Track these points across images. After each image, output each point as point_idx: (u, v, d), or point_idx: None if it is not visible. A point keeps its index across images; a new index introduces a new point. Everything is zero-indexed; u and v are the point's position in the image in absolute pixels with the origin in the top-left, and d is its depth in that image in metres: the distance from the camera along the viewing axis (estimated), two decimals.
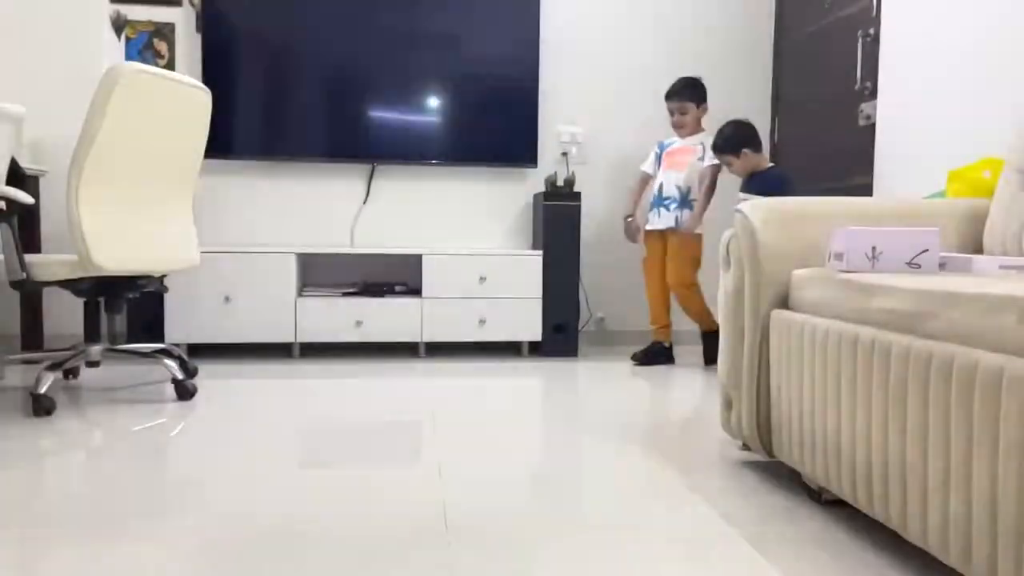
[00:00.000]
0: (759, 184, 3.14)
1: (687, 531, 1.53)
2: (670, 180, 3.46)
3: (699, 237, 3.42)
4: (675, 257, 3.42)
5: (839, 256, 1.59)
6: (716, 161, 3.32)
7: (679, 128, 3.50)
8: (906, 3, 2.82)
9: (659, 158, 3.56)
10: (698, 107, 3.47)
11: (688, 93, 3.46)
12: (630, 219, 3.60)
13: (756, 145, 3.22)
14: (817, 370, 1.54)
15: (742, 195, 3.15)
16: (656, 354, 3.50)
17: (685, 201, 3.43)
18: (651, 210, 3.51)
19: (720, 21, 4.10)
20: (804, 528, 1.54)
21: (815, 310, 1.61)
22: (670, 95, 3.49)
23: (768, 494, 1.74)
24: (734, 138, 3.23)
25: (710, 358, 3.40)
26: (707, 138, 3.41)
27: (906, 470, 1.26)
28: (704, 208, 3.40)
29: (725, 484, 1.82)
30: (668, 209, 3.43)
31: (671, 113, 3.51)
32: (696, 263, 3.44)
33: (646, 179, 3.62)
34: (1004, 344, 1.08)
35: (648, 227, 3.52)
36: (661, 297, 3.53)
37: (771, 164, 3.29)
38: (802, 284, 1.68)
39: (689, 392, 2.85)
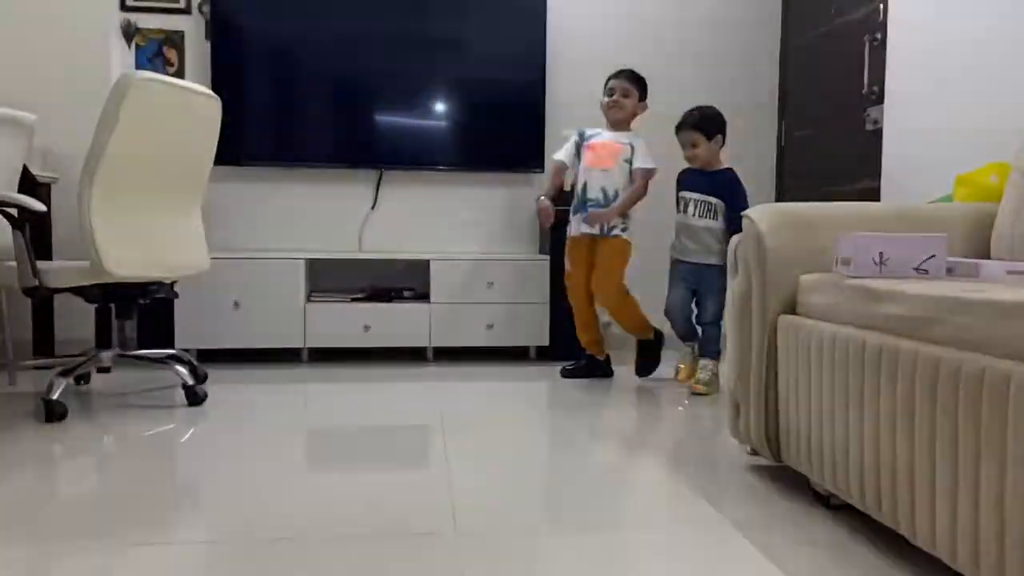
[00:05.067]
0: (715, 183, 2.92)
1: (695, 535, 1.54)
2: (595, 180, 3.04)
3: (628, 244, 3.05)
4: (605, 264, 3.03)
5: (846, 262, 1.59)
6: (650, 166, 3.01)
7: (616, 111, 3.08)
8: (912, 8, 2.82)
9: (579, 148, 3.16)
10: (640, 99, 3.12)
11: (633, 77, 3.11)
12: (542, 198, 3.16)
13: (725, 139, 2.99)
14: (825, 375, 1.54)
15: (695, 195, 2.93)
16: (592, 367, 3.20)
17: (610, 206, 3.03)
18: (574, 214, 3.11)
19: (726, 25, 4.10)
20: (812, 533, 1.54)
21: (823, 315, 1.61)
22: (616, 75, 3.13)
23: (776, 499, 1.74)
24: (717, 120, 2.96)
25: (646, 368, 3.14)
26: (636, 139, 3.08)
27: (914, 475, 1.26)
28: (626, 208, 3.02)
29: (733, 489, 1.82)
30: (586, 212, 3.04)
31: (610, 93, 3.10)
32: (624, 269, 3.07)
33: (560, 168, 3.19)
34: (1012, 350, 1.09)
35: (572, 233, 3.12)
36: (591, 311, 3.14)
37: (726, 166, 3.00)
38: (809, 289, 1.69)
39: (696, 397, 2.86)
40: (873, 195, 3.05)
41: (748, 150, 4.13)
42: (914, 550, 1.33)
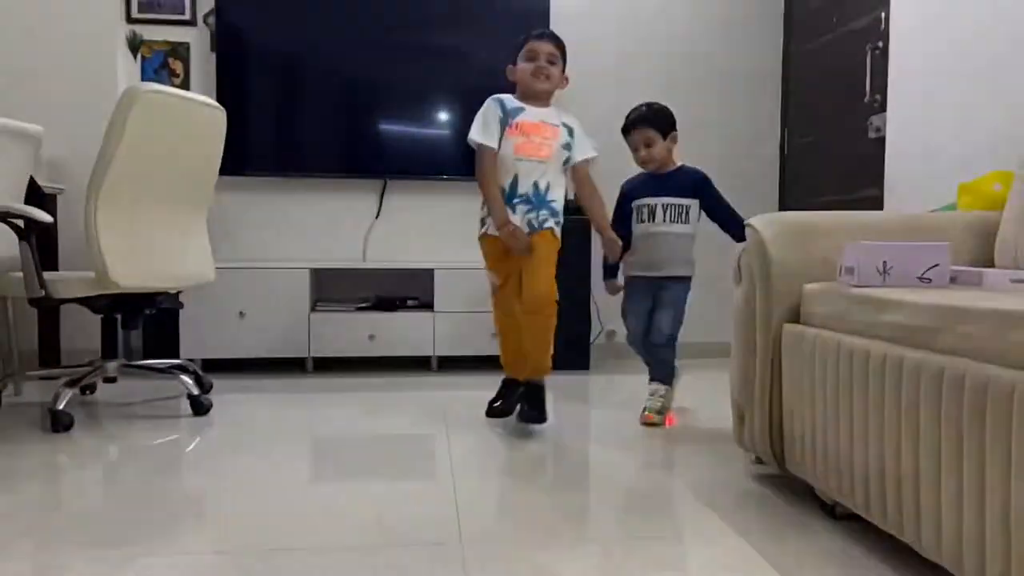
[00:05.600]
0: (685, 184, 2.60)
1: (700, 544, 1.54)
2: (528, 173, 2.43)
3: (559, 244, 2.51)
4: (537, 259, 2.39)
5: (850, 271, 1.59)
6: (593, 153, 2.55)
7: (543, 80, 2.46)
8: (915, 16, 2.83)
9: (504, 125, 2.44)
10: (563, 72, 2.54)
11: (559, 42, 2.52)
12: (514, 228, 2.39)
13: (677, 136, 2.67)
14: (829, 384, 1.54)
15: (662, 200, 2.59)
16: (519, 397, 2.53)
17: (543, 203, 2.44)
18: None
19: (728, 35, 4.11)
20: (818, 542, 1.54)
21: (826, 324, 1.61)
22: (540, 35, 2.52)
23: (782, 508, 1.74)
24: (669, 115, 2.64)
25: (542, 415, 2.45)
26: (570, 118, 2.55)
27: (919, 485, 1.26)
28: (604, 208, 2.56)
29: (738, 498, 1.82)
30: (514, 211, 2.41)
31: (533, 57, 2.46)
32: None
33: (495, 156, 2.44)
34: (1016, 359, 1.09)
35: (492, 232, 2.44)
36: (520, 331, 2.48)
37: (681, 163, 2.68)
38: (813, 299, 1.69)
39: (702, 406, 2.85)
40: (876, 203, 3.06)
41: (751, 158, 4.15)
42: (920, 559, 1.32)
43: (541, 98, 2.50)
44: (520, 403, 2.48)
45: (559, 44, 2.51)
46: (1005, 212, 1.85)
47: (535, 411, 2.44)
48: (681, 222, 2.60)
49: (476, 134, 2.45)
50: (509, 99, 2.49)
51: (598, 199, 2.57)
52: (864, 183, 3.25)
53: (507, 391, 2.60)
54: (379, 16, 3.77)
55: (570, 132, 2.52)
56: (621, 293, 2.77)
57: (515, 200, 2.43)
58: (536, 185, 2.44)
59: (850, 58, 3.37)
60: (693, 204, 2.61)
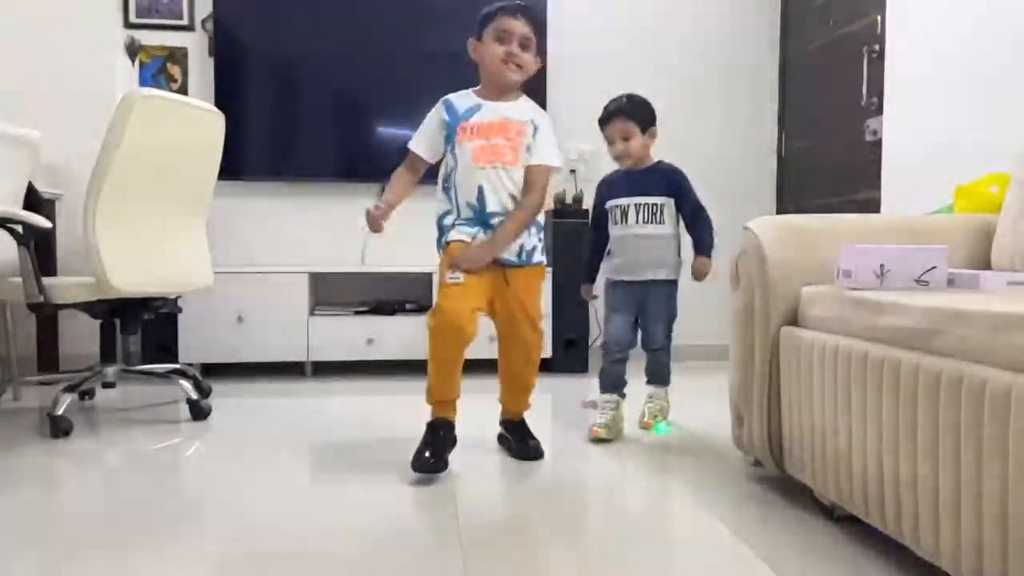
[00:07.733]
0: (660, 181, 2.46)
1: (699, 547, 1.54)
2: (495, 186, 2.04)
3: (543, 271, 2.23)
4: (525, 296, 2.16)
5: (847, 273, 1.60)
6: (557, 163, 2.13)
7: (514, 69, 2.05)
8: (911, 19, 2.84)
9: (452, 132, 2.09)
10: (535, 55, 2.11)
11: (535, 20, 2.10)
12: (377, 209, 2.19)
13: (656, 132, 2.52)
14: (827, 387, 1.55)
15: (635, 200, 2.46)
16: (452, 439, 2.07)
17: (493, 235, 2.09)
18: (467, 230, 2.10)
19: (725, 37, 4.12)
20: (817, 544, 1.54)
21: (824, 327, 1.62)
22: (514, 11, 2.06)
23: (780, 510, 1.74)
24: (651, 108, 2.50)
25: (538, 446, 2.19)
26: (539, 114, 2.14)
27: (917, 487, 1.26)
28: (514, 235, 2.08)
29: (737, 500, 1.82)
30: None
31: (504, 39, 2.04)
32: None
33: (418, 167, 2.22)
34: (1013, 362, 1.09)
35: (457, 237, 2.12)
36: (460, 361, 2.10)
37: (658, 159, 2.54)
38: (811, 301, 1.70)
39: (700, 408, 2.85)
40: (873, 206, 3.06)
41: (748, 160, 4.15)
42: (918, 561, 1.33)
43: (510, 89, 2.10)
44: (513, 441, 2.23)
45: (535, 23, 2.09)
46: (1002, 214, 1.85)
47: (534, 441, 2.20)
48: (656, 222, 2.45)
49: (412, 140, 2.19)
50: (461, 98, 2.12)
51: (525, 211, 2.09)
52: (861, 186, 3.26)
53: (434, 437, 2.01)
54: (376, 19, 3.78)
55: (534, 131, 2.09)
56: (601, 297, 2.68)
57: (490, 220, 2.06)
58: (514, 199, 2.07)
59: (847, 61, 3.38)
60: (668, 202, 2.46)
